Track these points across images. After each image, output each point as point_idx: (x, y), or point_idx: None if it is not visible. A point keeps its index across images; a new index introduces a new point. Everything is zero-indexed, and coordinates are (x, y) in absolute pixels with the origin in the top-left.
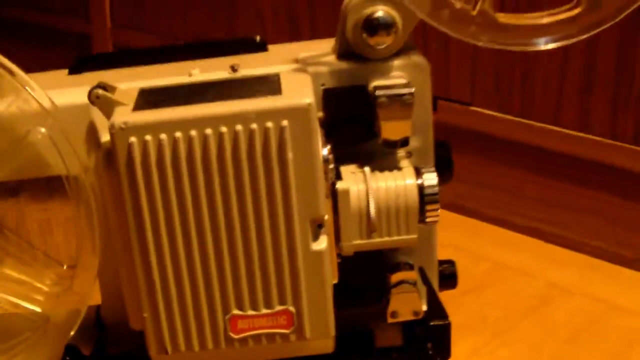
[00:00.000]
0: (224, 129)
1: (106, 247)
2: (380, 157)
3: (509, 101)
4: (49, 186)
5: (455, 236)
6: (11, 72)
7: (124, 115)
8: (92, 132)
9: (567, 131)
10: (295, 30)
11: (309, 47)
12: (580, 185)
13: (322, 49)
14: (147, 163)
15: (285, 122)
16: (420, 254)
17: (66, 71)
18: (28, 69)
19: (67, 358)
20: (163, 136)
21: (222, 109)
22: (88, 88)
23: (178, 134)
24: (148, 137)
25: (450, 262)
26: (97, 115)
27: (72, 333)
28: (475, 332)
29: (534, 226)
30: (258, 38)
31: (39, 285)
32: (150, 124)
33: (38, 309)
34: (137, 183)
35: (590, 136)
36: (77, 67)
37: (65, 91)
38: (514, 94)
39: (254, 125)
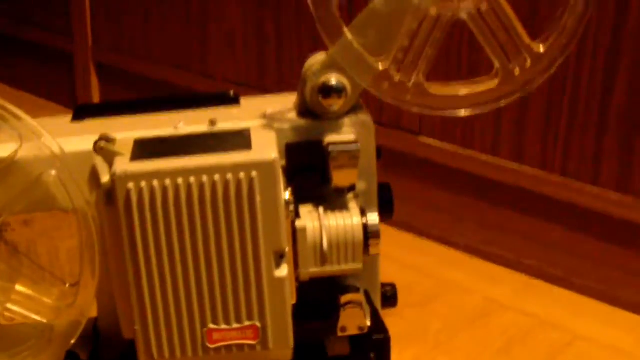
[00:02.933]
0: (204, 178)
1: (102, 269)
2: (332, 198)
3: (452, 133)
4: (56, 218)
5: (403, 254)
6: (31, 127)
7: (124, 165)
8: (94, 173)
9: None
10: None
11: (275, 102)
12: (515, 211)
13: (286, 104)
14: (141, 204)
15: (254, 174)
16: (365, 279)
17: (69, 117)
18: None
19: None
20: (155, 183)
21: (203, 162)
22: (91, 137)
23: (167, 182)
24: (143, 184)
25: (392, 285)
26: (98, 160)
27: (72, 341)
28: (418, 342)
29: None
30: (232, 93)
31: (45, 300)
32: (145, 173)
33: (44, 320)
34: (133, 220)
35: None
36: (79, 114)
37: (73, 139)
38: (458, 126)
39: (229, 176)
